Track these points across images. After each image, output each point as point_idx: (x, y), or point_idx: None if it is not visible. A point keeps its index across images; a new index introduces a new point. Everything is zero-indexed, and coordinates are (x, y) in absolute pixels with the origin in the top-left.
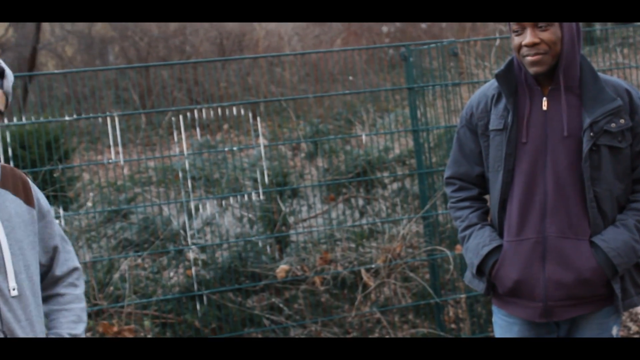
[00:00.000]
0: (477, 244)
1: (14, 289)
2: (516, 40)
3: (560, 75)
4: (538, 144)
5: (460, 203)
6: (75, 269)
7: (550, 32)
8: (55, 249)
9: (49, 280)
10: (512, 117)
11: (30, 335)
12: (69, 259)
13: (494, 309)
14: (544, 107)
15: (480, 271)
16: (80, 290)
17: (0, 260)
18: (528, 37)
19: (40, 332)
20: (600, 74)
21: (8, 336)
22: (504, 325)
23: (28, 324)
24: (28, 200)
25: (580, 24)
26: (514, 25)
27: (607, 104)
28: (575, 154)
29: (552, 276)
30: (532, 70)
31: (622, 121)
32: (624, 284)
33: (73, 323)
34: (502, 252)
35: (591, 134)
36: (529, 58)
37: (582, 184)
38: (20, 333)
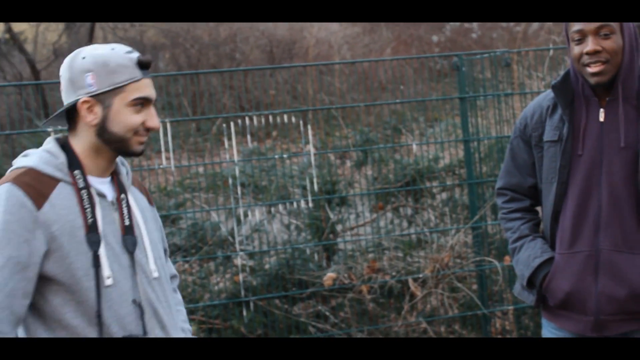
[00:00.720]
0: (528, 256)
1: (155, 271)
2: (576, 49)
3: (619, 86)
4: (593, 155)
5: (512, 214)
6: (175, 276)
7: (612, 41)
8: (165, 252)
9: None
10: (568, 128)
11: (169, 316)
12: (171, 266)
13: (544, 321)
14: (601, 119)
15: (531, 283)
16: (179, 296)
17: (142, 243)
18: (590, 44)
19: (175, 317)
20: None
21: (151, 314)
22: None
23: (167, 306)
24: (149, 200)
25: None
26: (574, 34)
27: None
28: (632, 167)
29: (604, 290)
30: (593, 80)
31: None
32: None
33: (183, 322)
34: (553, 264)
35: None
36: (591, 68)
37: (637, 198)
38: (162, 312)
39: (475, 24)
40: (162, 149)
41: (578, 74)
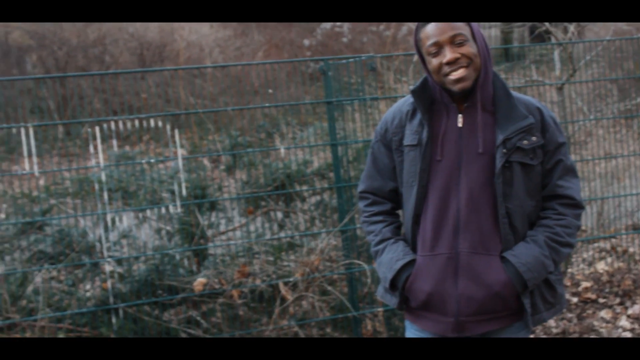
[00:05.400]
0: (390, 259)
1: None
2: (434, 61)
3: (478, 92)
4: (452, 160)
5: (373, 217)
6: None
7: (468, 46)
8: None
9: None
10: (427, 133)
11: None
12: None
13: (407, 323)
14: (459, 124)
15: (393, 285)
16: None
17: None
18: (448, 54)
19: None
20: (513, 92)
21: None
22: None
23: None
24: None
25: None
26: (430, 48)
27: (520, 122)
28: (489, 171)
29: (464, 292)
30: (457, 87)
31: (534, 138)
32: (534, 299)
33: None
34: (415, 266)
35: (504, 150)
36: (453, 76)
37: (494, 200)
38: None
39: (346, 28)
40: (26, 153)
41: (435, 83)
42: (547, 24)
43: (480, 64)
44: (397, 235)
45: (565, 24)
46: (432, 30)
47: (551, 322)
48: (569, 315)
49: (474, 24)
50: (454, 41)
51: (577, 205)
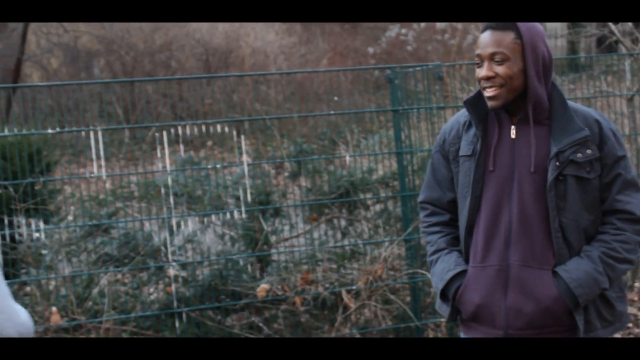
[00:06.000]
0: (442, 269)
1: None
2: (477, 72)
3: (529, 109)
4: (505, 172)
5: (431, 228)
6: None
7: (506, 67)
8: None
9: None
10: (481, 144)
11: None
12: None
13: (461, 334)
14: (512, 136)
15: (444, 296)
16: None
17: None
18: (484, 70)
19: None
20: (571, 103)
21: None
22: None
23: None
24: None
25: (557, 53)
26: (475, 58)
27: (574, 134)
28: (542, 184)
29: (513, 305)
30: (489, 104)
31: (589, 152)
32: (588, 316)
33: None
34: (466, 277)
35: (557, 163)
36: (486, 92)
37: (547, 214)
38: None
39: (410, 36)
40: (94, 156)
41: None
42: (617, 32)
43: (518, 84)
44: (452, 246)
45: (637, 35)
46: (481, 40)
47: (617, 337)
48: (636, 330)
49: (531, 38)
50: (494, 58)
51: (637, 221)
